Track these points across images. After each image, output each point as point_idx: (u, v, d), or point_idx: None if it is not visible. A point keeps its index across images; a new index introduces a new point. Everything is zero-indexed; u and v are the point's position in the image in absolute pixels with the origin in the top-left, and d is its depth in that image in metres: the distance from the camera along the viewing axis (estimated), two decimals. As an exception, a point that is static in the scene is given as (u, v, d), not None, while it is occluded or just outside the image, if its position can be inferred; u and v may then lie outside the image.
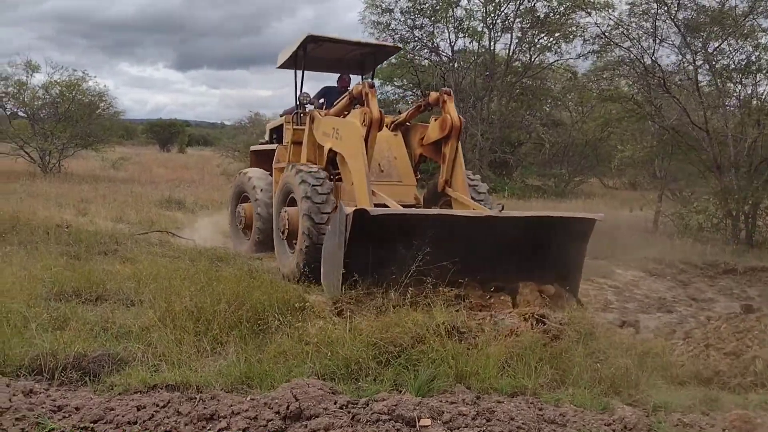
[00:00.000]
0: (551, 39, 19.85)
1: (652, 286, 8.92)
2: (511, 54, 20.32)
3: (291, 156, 8.76)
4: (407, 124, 8.33)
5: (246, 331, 5.01)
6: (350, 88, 8.97)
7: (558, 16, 19.30)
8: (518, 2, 19.81)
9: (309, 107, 8.77)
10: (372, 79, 9.30)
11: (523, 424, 3.81)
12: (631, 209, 12.67)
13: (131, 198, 15.12)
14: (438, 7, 19.79)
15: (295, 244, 7.64)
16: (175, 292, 5.78)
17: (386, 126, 7.83)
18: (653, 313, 7.47)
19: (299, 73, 9.17)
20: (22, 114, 23.32)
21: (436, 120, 7.58)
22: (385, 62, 12.84)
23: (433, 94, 7.57)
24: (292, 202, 7.88)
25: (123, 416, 3.70)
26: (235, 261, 8.38)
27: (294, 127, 8.83)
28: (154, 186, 18.72)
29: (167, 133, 50.35)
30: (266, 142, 10.47)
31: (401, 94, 23.22)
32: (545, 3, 19.80)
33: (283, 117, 9.46)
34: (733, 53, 11.47)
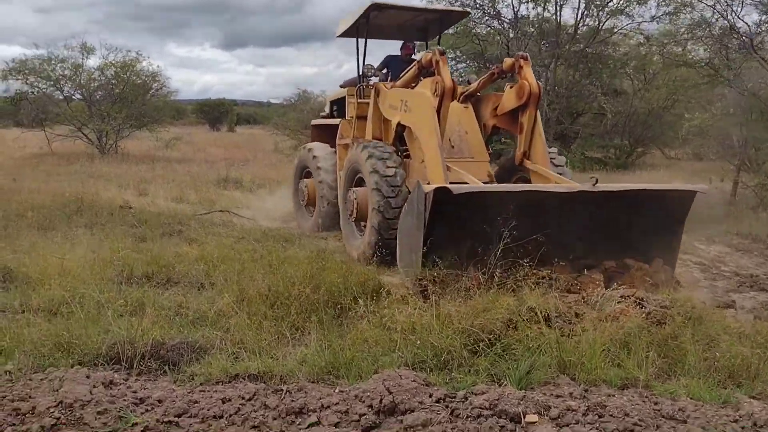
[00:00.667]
0: (622, 1, 18.83)
1: (739, 262, 8.35)
2: (579, 19, 19.43)
3: (355, 131, 8.42)
4: (477, 94, 7.88)
5: (325, 316, 4.77)
6: (416, 57, 8.57)
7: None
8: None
9: (373, 79, 8.39)
10: (438, 46, 8.86)
11: (639, 420, 3.46)
12: (711, 180, 11.97)
13: (189, 178, 15.10)
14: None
15: (364, 226, 7.35)
16: (247, 275, 5.61)
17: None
18: (747, 292, 6.94)
19: (361, 42, 8.76)
20: (78, 96, 23.61)
21: (511, 87, 7.11)
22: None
23: (508, 60, 7.09)
24: (360, 182, 7.56)
25: (208, 410, 3.50)
26: (300, 241, 8.19)
27: (358, 100, 8.48)
28: (209, 165, 18.71)
29: (216, 113, 50.83)
30: (327, 115, 10.14)
31: (453, 66, 22.51)
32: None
33: (346, 89, 9.10)
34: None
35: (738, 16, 10.80)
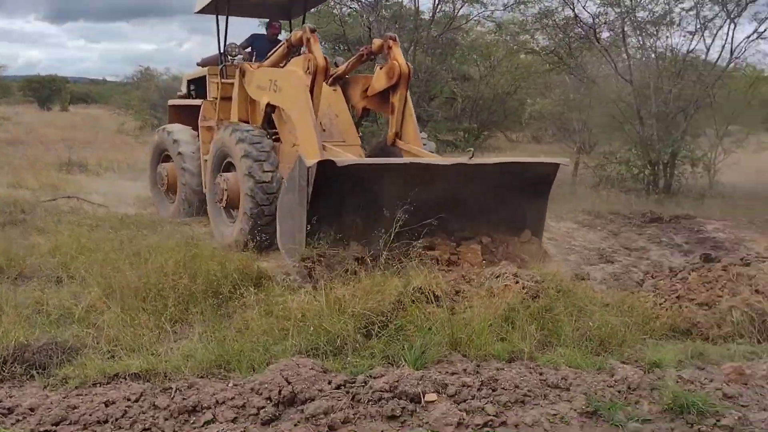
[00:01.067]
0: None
1: (586, 237, 9.01)
2: (436, 5, 19.92)
3: (220, 113, 8.05)
4: (346, 77, 7.81)
5: (206, 306, 4.55)
6: (281, 35, 8.34)
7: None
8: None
9: (238, 59, 8.03)
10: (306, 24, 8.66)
11: (528, 391, 3.65)
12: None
13: (25, 161, 13.74)
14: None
15: (235, 213, 7.05)
16: (112, 266, 5.20)
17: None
18: (597, 264, 7.51)
19: (222, 19, 8.35)
20: None
21: (381, 68, 7.13)
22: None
23: (377, 41, 7.10)
24: (229, 167, 7.23)
25: (90, 415, 3.23)
26: (162, 228, 7.71)
27: (221, 81, 8.10)
28: (46, 147, 17.14)
29: (47, 91, 46.61)
30: (184, 95, 9.60)
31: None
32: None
33: (207, 68, 8.64)
34: (651, 4, 11.67)
35: (583, 7, 11.62)
